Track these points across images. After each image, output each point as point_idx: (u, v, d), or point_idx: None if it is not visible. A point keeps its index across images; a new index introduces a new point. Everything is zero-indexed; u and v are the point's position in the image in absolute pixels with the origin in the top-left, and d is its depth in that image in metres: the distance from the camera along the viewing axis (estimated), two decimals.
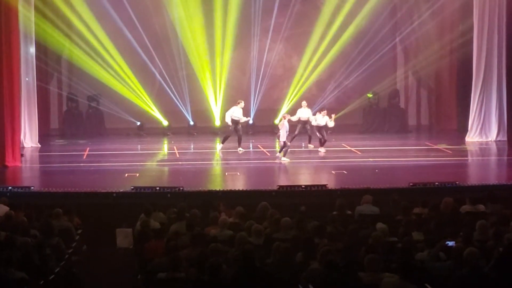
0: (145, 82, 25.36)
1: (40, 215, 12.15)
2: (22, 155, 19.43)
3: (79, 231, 12.34)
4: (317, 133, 20.62)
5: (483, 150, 21.37)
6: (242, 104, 20.80)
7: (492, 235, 9.94)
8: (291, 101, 25.08)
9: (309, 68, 25.32)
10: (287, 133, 18.94)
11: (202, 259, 8.65)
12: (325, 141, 20.56)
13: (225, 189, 15.23)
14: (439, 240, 9.63)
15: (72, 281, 10.34)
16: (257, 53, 25.49)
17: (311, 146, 21.07)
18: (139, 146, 22.56)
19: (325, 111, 20.78)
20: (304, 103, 21.16)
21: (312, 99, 24.61)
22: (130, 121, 25.26)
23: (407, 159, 19.42)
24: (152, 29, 24.87)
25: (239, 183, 16.49)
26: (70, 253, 11.03)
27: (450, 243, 9.39)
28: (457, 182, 15.33)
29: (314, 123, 20.61)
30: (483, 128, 22.52)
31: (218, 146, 20.95)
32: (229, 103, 25.45)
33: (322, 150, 20.52)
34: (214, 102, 25.48)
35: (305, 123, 20.73)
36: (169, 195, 14.50)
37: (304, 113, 20.80)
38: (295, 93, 25.11)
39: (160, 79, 25.39)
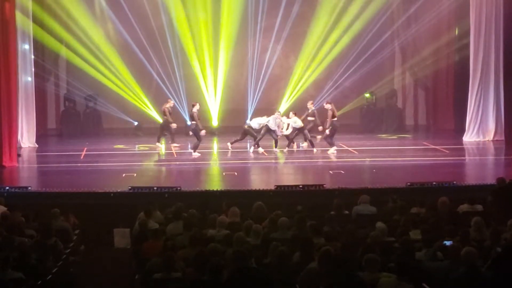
0: (142, 82, 25.35)
1: (37, 215, 12.15)
2: (19, 155, 19.42)
3: (77, 231, 12.35)
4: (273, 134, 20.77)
5: (481, 149, 21.38)
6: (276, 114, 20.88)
7: (490, 235, 9.94)
8: (289, 101, 25.10)
9: (307, 68, 25.33)
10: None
11: (200, 259, 8.64)
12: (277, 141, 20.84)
13: (223, 189, 15.21)
14: (436, 239, 9.63)
15: (69, 282, 10.34)
16: (254, 53, 25.49)
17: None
18: (136, 146, 22.54)
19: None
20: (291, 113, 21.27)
21: (309, 99, 24.56)
22: (128, 121, 25.24)
23: (405, 159, 19.43)
24: (150, 29, 24.86)
25: (236, 183, 16.46)
26: (68, 253, 11.00)
27: (448, 243, 9.38)
28: (454, 182, 15.34)
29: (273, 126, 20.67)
30: (481, 127, 22.53)
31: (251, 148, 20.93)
32: (226, 103, 25.51)
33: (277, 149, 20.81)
34: (212, 102, 25.46)
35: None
36: (166, 195, 14.47)
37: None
38: (293, 93, 25.10)
39: (158, 79, 25.38)
